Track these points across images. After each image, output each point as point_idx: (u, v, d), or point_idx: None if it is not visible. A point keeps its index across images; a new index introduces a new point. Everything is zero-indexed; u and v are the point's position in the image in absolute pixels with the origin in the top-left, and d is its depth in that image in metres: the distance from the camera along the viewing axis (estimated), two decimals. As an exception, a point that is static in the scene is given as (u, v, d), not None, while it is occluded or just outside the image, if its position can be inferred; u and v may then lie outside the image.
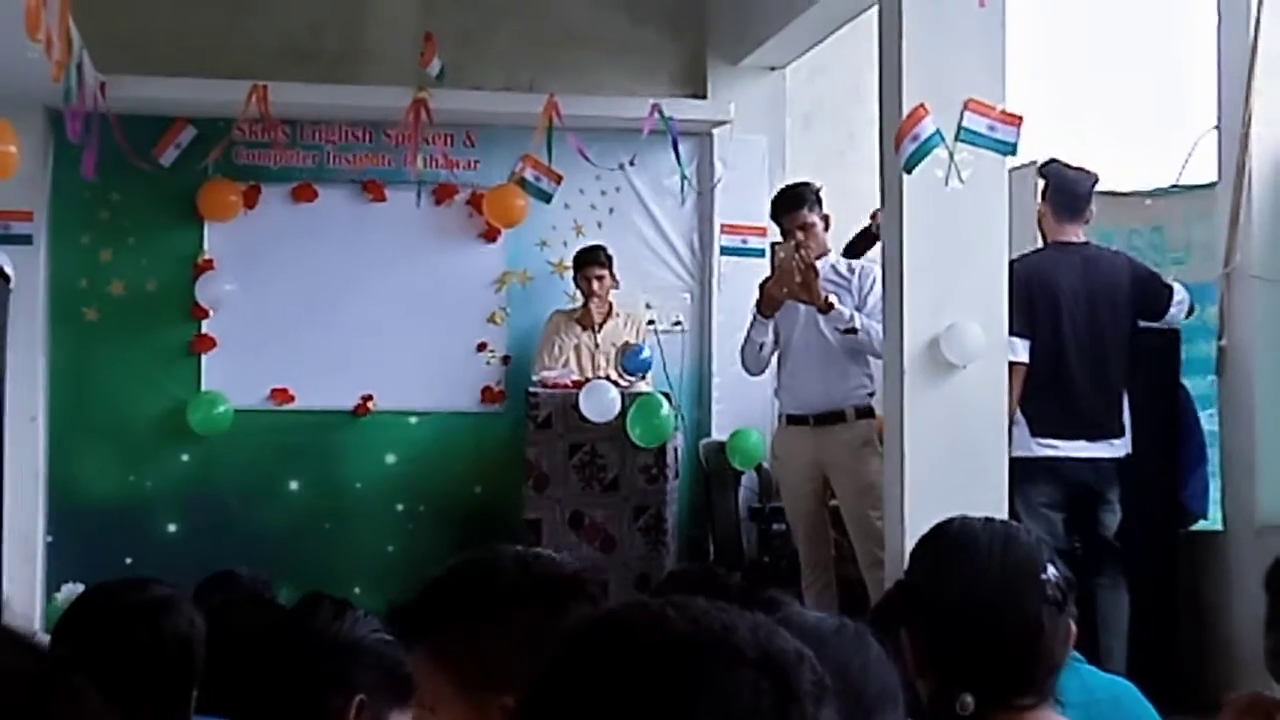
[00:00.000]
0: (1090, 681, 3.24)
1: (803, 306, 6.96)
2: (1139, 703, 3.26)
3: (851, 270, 7.13)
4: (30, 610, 7.78)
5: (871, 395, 7.00)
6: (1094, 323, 6.58)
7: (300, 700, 2.33)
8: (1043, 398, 6.48)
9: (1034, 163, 6.97)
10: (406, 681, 2.34)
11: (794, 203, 7.13)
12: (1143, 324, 6.74)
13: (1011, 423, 6.27)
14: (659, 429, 7.69)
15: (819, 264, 6.92)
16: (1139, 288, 6.71)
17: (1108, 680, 3.36)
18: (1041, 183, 6.81)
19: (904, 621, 2.35)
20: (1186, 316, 6.83)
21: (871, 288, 6.92)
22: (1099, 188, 6.85)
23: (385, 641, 2.45)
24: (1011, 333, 6.17)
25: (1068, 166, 6.80)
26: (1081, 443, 6.54)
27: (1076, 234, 6.76)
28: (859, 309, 6.95)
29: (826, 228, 7.16)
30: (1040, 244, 6.83)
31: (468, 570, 2.15)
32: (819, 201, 7.14)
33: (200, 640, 2.75)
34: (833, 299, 6.87)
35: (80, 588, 3.76)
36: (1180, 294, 6.76)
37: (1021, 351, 6.40)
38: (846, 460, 6.95)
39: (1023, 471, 6.28)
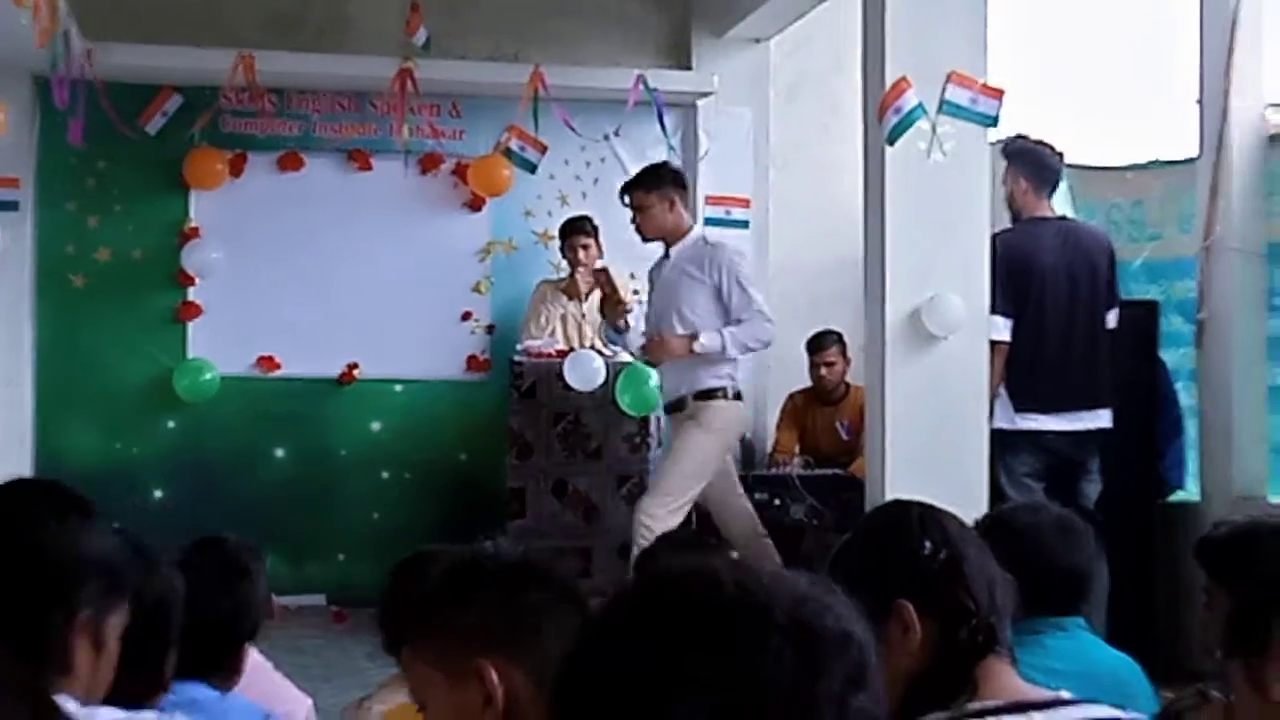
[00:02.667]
0: (1094, 654, 3.29)
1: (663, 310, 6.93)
2: (1138, 679, 3.31)
3: (702, 267, 6.84)
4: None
5: (727, 378, 6.86)
6: (1074, 296, 6.57)
7: (22, 615, 2.12)
8: (1025, 373, 6.48)
9: (1023, 136, 6.92)
10: (123, 582, 2.22)
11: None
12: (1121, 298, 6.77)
13: (994, 399, 6.31)
14: (647, 398, 7.70)
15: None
16: (1113, 273, 6.72)
17: (1111, 655, 3.41)
18: (1005, 162, 6.78)
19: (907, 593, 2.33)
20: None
21: (724, 276, 6.77)
22: (1081, 161, 6.82)
23: (113, 547, 2.23)
24: (993, 310, 6.20)
25: (1034, 141, 6.79)
26: (1062, 415, 6.56)
27: (1051, 208, 6.78)
28: (726, 299, 6.79)
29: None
30: (1010, 222, 6.81)
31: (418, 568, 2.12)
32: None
33: (179, 603, 2.74)
34: (697, 344, 6.73)
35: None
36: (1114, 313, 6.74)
37: (1003, 330, 6.38)
38: (677, 440, 6.94)
39: (1004, 443, 6.31)
